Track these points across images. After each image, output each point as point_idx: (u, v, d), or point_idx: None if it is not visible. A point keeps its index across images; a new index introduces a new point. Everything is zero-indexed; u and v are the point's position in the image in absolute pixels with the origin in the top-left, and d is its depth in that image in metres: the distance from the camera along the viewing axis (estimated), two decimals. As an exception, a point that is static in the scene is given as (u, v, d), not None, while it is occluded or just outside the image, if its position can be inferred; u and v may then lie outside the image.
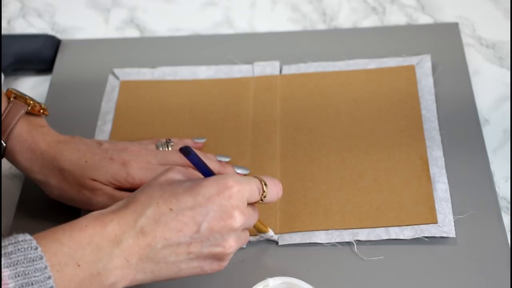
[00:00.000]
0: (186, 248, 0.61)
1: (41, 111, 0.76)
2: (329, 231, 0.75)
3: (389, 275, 0.71)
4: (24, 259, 0.55)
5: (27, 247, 0.56)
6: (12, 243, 0.56)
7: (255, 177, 0.66)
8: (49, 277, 0.56)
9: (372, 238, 0.74)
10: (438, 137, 0.82)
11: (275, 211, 0.77)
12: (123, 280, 0.60)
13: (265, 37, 0.97)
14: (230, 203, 0.62)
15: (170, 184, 0.63)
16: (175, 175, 0.65)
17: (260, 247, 0.74)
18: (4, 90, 0.76)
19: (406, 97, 0.87)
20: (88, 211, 0.64)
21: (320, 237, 0.74)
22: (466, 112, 0.85)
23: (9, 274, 0.54)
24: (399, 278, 0.71)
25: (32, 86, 0.95)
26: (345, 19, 0.99)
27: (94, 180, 0.74)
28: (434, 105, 0.85)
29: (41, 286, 0.55)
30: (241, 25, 1.00)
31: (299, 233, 0.75)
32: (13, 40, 0.96)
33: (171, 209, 0.61)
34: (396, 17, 0.99)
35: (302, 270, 0.72)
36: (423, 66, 0.90)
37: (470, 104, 0.85)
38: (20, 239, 0.56)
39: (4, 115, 0.74)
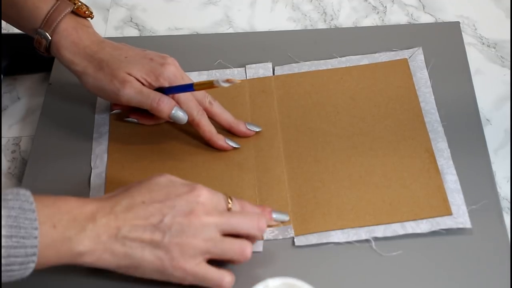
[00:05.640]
0: (151, 235, 0.67)
1: (87, 12, 0.83)
2: (345, 230, 0.75)
3: (409, 269, 0.72)
4: (19, 207, 0.62)
5: (24, 200, 0.63)
6: (13, 193, 0.63)
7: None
8: (36, 228, 0.62)
9: (389, 234, 0.74)
10: (440, 129, 0.82)
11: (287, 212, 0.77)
12: (90, 254, 0.66)
13: (263, 37, 0.97)
14: (196, 201, 0.68)
15: (151, 183, 0.70)
16: (161, 178, 0.71)
17: (273, 246, 0.75)
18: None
19: (403, 91, 0.87)
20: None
21: (337, 236, 0.74)
22: (468, 112, 0.84)
23: (4, 214, 0.61)
24: (420, 271, 0.72)
25: (31, 85, 0.95)
26: (345, 18, 0.99)
27: (128, 73, 0.80)
28: (432, 97, 0.86)
29: (27, 232, 0.62)
30: (241, 24, 1.00)
31: (315, 234, 0.75)
32: (12, 40, 0.95)
33: (143, 202, 0.68)
34: (397, 16, 0.99)
35: (319, 271, 0.72)
36: (416, 59, 0.90)
37: (471, 104, 0.85)
38: (21, 192, 0.63)
39: (50, 12, 0.81)
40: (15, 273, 0.62)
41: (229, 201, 0.71)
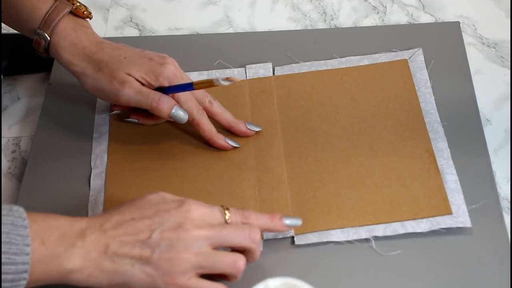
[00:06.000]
0: (139, 251, 0.66)
1: (85, 13, 0.83)
2: (345, 229, 0.75)
3: (409, 268, 0.72)
4: (11, 223, 0.62)
5: (17, 216, 0.63)
6: (6, 209, 0.63)
7: (220, 206, 0.70)
8: (28, 245, 0.62)
9: (389, 234, 0.74)
10: (440, 129, 0.82)
11: (287, 213, 0.77)
12: (80, 272, 0.64)
13: (263, 37, 0.97)
14: (185, 216, 0.67)
15: (142, 200, 0.69)
16: (153, 196, 0.70)
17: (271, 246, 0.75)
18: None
19: (403, 91, 0.87)
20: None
21: (337, 235, 0.75)
22: (468, 112, 0.84)
23: None
24: (420, 270, 0.72)
25: (31, 85, 0.95)
26: (345, 18, 0.99)
27: (128, 74, 0.80)
28: (432, 97, 0.86)
29: (18, 249, 0.61)
30: (241, 24, 1.00)
31: (315, 233, 0.75)
32: (12, 40, 0.95)
33: (132, 218, 0.67)
34: (397, 16, 0.98)
35: (319, 271, 0.72)
36: (416, 59, 0.90)
37: (471, 104, 0.85)
38: (14, 208, 0.63)
39: (49, 13, 0.81)
40: None
41: (226, 213, 0.70)
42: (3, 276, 0.60)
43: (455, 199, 0.76)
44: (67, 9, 0.81)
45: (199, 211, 0.68)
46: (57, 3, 0.81)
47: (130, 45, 0.84)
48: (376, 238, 0.74)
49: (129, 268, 0.65)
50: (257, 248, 0.69)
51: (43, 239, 0.63)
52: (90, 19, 0.84)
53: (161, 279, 0.65)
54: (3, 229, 0.61)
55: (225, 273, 0.68)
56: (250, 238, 0.68)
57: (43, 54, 0.83)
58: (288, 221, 0.72)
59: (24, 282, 0.62)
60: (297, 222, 0.73)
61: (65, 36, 0.81)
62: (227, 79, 0.73)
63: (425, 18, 0.98)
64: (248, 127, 0.84)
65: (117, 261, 0.65)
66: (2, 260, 0.60)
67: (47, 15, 0.81)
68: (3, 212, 0.62)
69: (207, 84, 0.77)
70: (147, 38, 0.98)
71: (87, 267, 0.64)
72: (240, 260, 0.68)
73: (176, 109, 0.80)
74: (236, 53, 0.93)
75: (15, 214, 0.62)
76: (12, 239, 0.61)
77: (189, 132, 0.85)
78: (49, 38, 0.81)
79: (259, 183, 0.80)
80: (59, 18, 0.81)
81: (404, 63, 0.90)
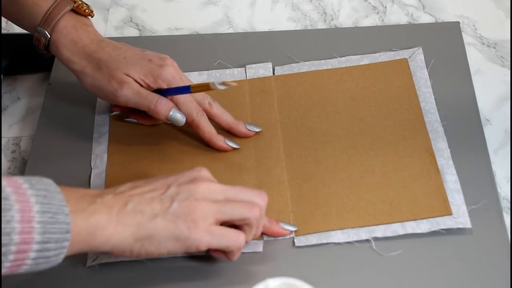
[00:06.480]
0: (159, 203, 0.67)
1: (87, 11, 0.83)
2: (345, 230, 0.75)
3: (409, 268, 0.72)
4: (45, 189, 0.62)
5: (49, 184, 0.63)
6: (36, 179, 0.63)
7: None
8: (65, 205, 0.62)
9: (389, 234, 0.74)
10: (440, 129, 0.82)
11: (287, 213, 0.77)
12: (107, 227, 0.65)
13: (263, 37, 0.96)
14: (198, 174, 0.70)
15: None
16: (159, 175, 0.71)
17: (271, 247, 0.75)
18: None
19: (403, 90, 0.87)
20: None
21: (337, 236, 0.74)
22: (468, 112, 0.84)
23: (32, 193, 0.61)
24: (420, 271, 0.72)
25: (31, 85, 0.95)
26: (345, 18, 0.99)
27: (127, 74, 0.80)
28: (432, 97, 0.86)
29: (58, 208, 0.61)
30: (241, 24, 1.00)
31: (315, 234, 0.75)
32: (12, 40, 0.95)
33: (146, 181, 0.69)
34: (397, 16, 0.98)
35: (319, 271, 0.72)
36: (416, 59, 0.90)
37: (471, 104, 0.85)
38: (44, 179, 0.63)
39: (50, 10, 0.81)
40: (50, 254, 0.61)
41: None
42: (49, 236, 0.60)
43: (455, 199, 0.76)
44: (68, 7, 0.82)
45: (209, 175, 0.71)
46: (59, 1, 0.82)
47: (130, 45, 0.84)
48: (376, 238, 0.74)
49: (151, 219, 0.66)
50: (264, 209, 0.71)
51: (67, 198, 0.63)
52: (92, 17, 0.84)
53: (184, 225, 0.67)
54: (39, 193, 0.61)
55: (243, 218, 0.69)
56: (260, 196, 0.71)
57: (44, 51, 0.83)
58: (284, 226, 0.75)
59: (67, 244, 0.61)
60: (291, 227, 0.75)
61: (66, 34, 0.82)
62: (223, 83, 0.74)
63: (425, 18, 0.98)
64: (248, 127, 0.84)
65: (138, 214, 0.66)
66: (47, 219, 0.60)
67: (48, 13, 0.81)
68: (34, 181, 0.62)
69: (204, 88, 0.77)
70: (147, 38, 0.98)
71: (111, 221, 0.65)
72: (256, 207, 0.69)
73: (173, 111, 0.80)
74: (236, 53, 0.94)
75: (46, 182, 0.63)
76: (50, 201, 0.61)
77: (189, 133, 0.85)
78: (49, 36, 0.81)
79: (259, 183, 0.80)
80: (60, 15, 0.81)
81: (404, 62, 0.90)
